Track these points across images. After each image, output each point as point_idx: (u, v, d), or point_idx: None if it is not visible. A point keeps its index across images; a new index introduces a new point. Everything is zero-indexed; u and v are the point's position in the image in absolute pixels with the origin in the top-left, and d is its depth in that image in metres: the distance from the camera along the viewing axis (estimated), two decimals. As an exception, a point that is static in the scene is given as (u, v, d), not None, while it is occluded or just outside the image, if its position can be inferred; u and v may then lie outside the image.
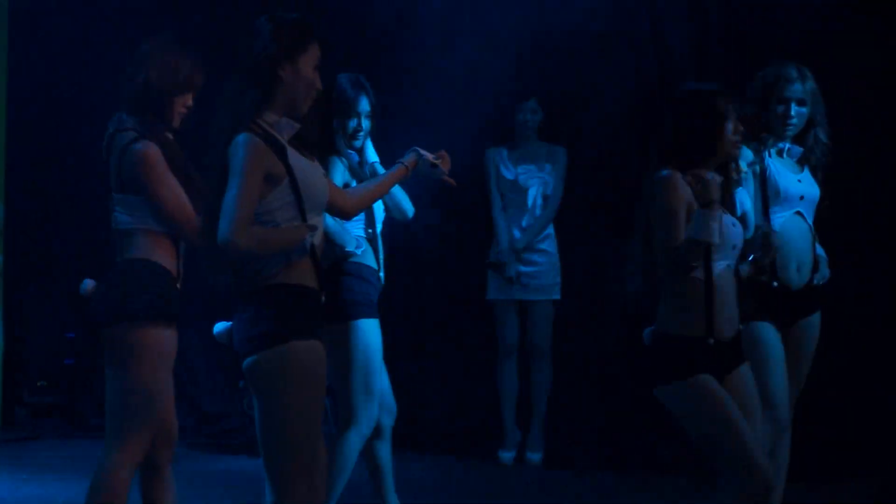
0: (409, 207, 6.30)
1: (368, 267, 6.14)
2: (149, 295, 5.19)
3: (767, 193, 6.03)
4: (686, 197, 5.04)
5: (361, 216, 6.11)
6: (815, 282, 6.12)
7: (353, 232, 6.11)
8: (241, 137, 4.55)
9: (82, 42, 9.67)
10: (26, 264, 9.99)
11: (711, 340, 5.04)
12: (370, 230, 6.18)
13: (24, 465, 8.41)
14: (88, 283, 5.34)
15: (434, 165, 5.30)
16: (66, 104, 9.75)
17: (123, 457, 5.19)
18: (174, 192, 5.21)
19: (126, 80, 5.34)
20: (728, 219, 5.14)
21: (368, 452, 6.27)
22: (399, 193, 6.22)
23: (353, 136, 6.20)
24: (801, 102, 6.08)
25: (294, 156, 4.64)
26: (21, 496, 7.53)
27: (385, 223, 6.30)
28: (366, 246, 6.13)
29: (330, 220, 5.86)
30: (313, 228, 4.63)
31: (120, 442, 5.20)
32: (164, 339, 5.22)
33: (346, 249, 6.04)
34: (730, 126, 5.11)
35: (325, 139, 6.02)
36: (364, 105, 6.22)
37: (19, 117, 9.63)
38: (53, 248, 10.10)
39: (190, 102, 5.36)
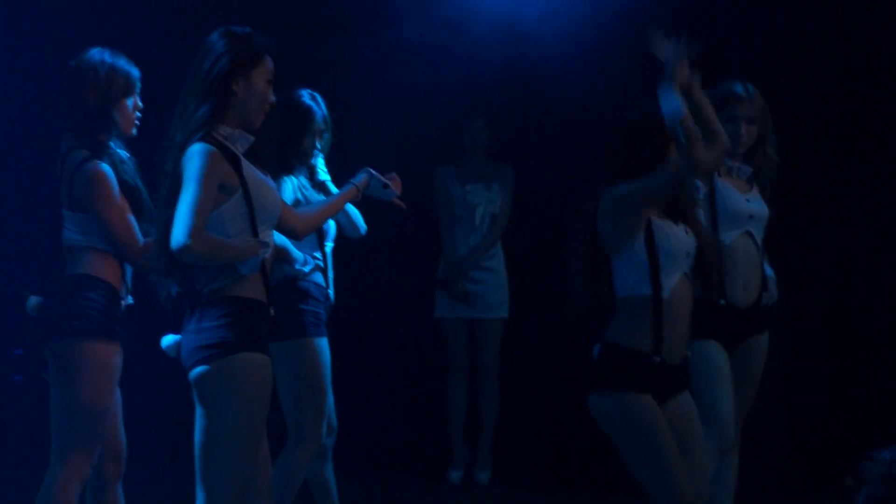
0: (362, 225, 6.28)
1: (317, 285, 6.12)
2: (93, 312, 5.18)
3: (716, 213, 6.04)
4: None
5: (314, 234, 6.08)
6: (763, 302, 6.13)
7: (304, 250, 6.08)
8: (197, 146, 4.54)
9: (22, 57, 9.58)
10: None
11: (658, 358, 5.01)
12: (316, 253, 6.15)
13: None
14: (34, 300, 5.32)
15: (385, 186, 5.30)
16: (8, 120, 9.66)
17: (69, 473, 5.17)
18: (121, 213, 5.22)
19: (66, 106, 5.31)
20: (681, 227, 5.12)
21: (310, 473, 6.23)
22: (353, 211, 6.20)
23: (308, 153, 6.17)
24: (750, 121, 6.10)
25: (248, 168, 4.64)
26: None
27: (334, 240, 6.28)
28: (313, 263, 6.10)
29: (277, 237, 5.83)
30: (267, 246, 4.62)
31: (65, 458, 5.19)
32: (108, 356, 5.22)
33: (295, 267, 6.01)
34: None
35: (278, 156, 6.00)
36: (319, 122, 6.20)
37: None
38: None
39: (139, 103, 5.34)
